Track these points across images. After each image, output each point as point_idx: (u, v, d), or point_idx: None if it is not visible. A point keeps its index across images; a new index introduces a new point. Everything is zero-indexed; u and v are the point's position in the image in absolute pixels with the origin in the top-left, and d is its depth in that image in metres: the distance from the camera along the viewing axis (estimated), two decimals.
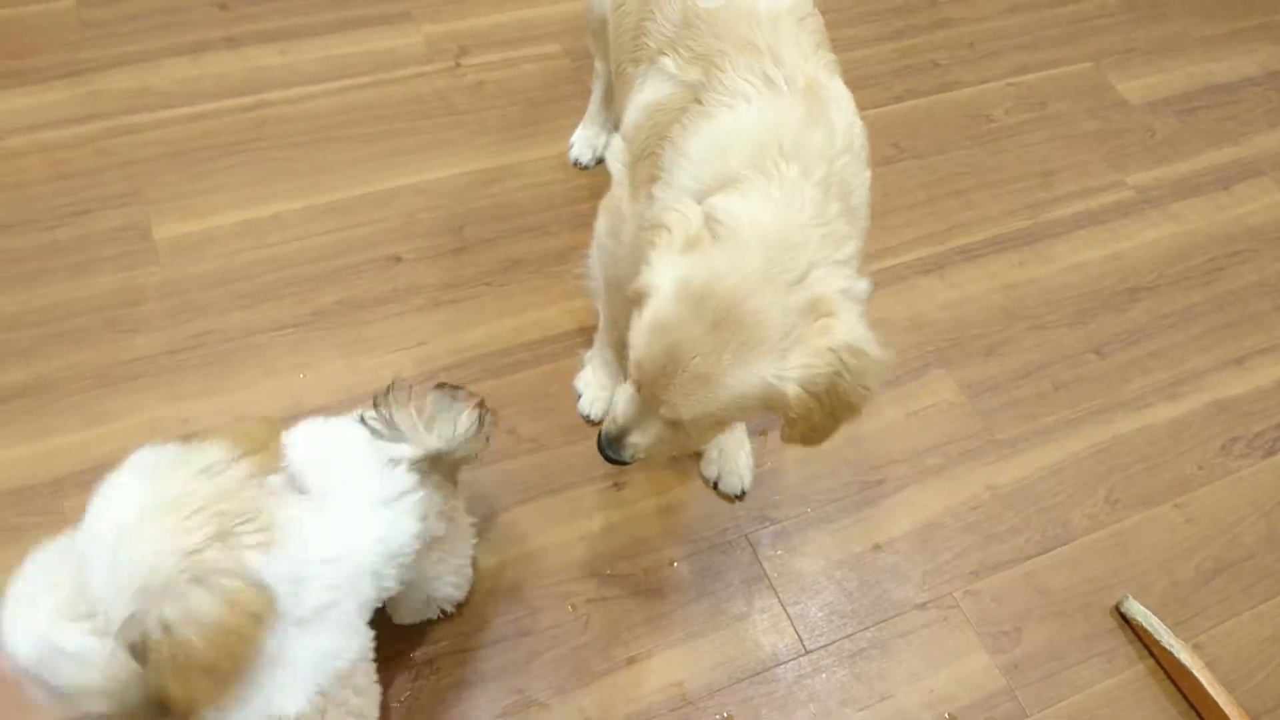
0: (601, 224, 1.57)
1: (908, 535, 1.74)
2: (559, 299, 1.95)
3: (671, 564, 1.66)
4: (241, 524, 1.05)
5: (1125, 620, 1.67)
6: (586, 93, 2.21)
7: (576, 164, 2.17)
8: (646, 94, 1.40)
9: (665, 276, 1.15)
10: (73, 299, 1.82)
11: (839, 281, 1.15)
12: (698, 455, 1.77)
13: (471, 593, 1.57)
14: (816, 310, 1.12)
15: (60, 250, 1.88)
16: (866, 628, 1.63)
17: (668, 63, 1.36)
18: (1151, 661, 1.65)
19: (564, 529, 1.67)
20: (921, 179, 2.30)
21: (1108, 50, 2.69)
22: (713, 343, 1.11)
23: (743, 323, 1.11)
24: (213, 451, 1.09)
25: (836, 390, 1.13)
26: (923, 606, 1.66)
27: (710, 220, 1.17)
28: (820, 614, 1.64)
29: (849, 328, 1.12)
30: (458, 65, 2.33)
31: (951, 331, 2.02)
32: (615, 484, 1.73)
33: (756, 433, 1.80)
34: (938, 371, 1.95)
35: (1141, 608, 1.65)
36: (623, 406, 1.27)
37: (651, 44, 1.40)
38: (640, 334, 1.17)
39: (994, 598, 1.68)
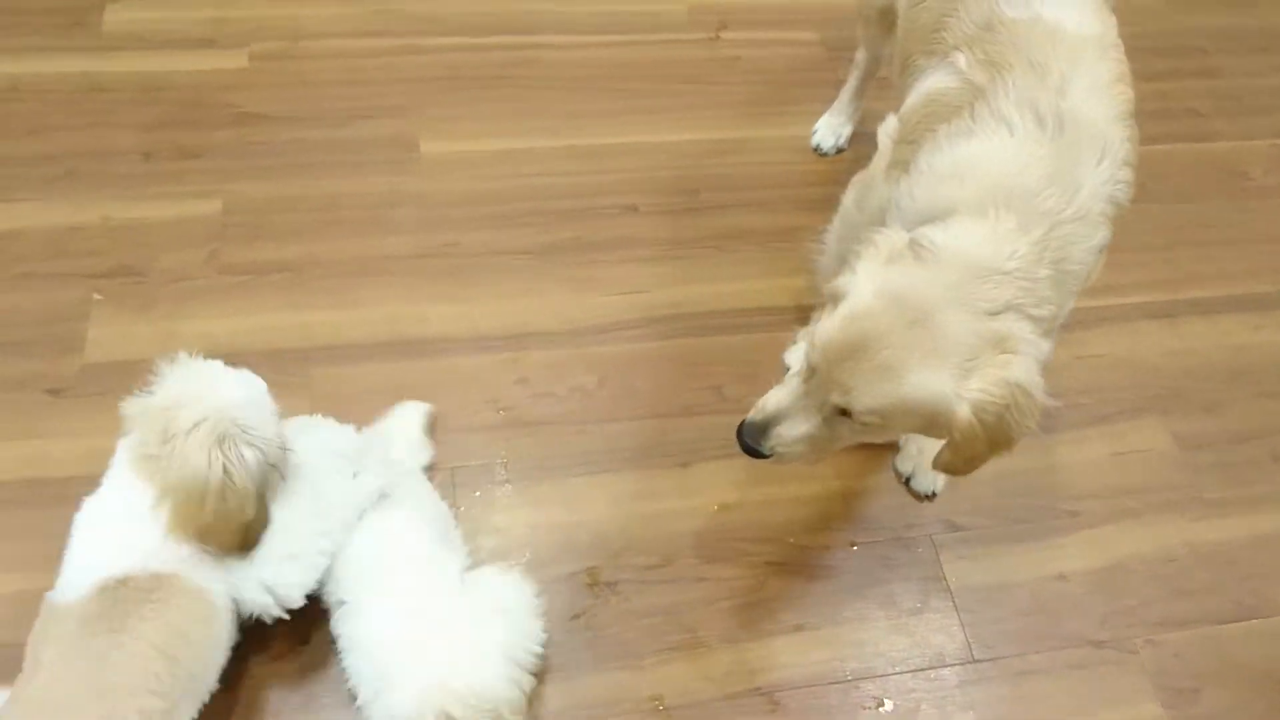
0: (849, 196, 1.61)
1: (1094, 572, 1.71)
2: (779, 274, 2.00)
3: (852, 546, 1.69)
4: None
5: None
6: (835, 82, 2.24)
7: (817, 149, 2.21)
8: (930, 81, 1.43)
9: (865, 280, 1.20)
10: (344, 193, 1.99)
11: (1028, 332, 1.16)
12: (894, 448, 1.78)
13: (659, 531, 1.65)
14: (1001, 345, 1.14)
15: (341, 147, 2.05)
16: (1038, 651, 1.62)
17: (960, 58, 1.37)
18: None
19: (753, 490, 1.72)
20: (1161, 223, 2.23)
21: None
22: (906, 339, 1.14)
23: (935, 331, 1.14)
24: None
25: (1003, 423, 1.15)
26: (1099, 644, 1.63)
27: (914, 244, 1.21)
28: (993, 627, 1.63)
29: (1027, 370, 1.14)
30: (716, 38, 2.41)
31: (1172, 381, 1.96)
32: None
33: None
34: (1152, 418, 1.90)
35: None
36: (775, 397, 1.30)
37: (949, 39, 1.42)
38: (831, 321, 1.20)
39: (1176, 653, 1.64)
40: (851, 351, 1.17)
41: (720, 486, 1.72)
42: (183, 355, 1.35)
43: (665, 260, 1.99)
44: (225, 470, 1.25)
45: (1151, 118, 2.44)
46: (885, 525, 1.72)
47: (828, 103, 2.24)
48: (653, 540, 1.65)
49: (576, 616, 1.57)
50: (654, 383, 1.82)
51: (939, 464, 1.25)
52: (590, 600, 1.59)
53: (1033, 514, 1.76)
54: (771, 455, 1.31)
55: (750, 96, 2.31)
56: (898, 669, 1.58)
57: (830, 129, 2.21)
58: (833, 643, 1.59)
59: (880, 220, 1.44)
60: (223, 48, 2.19)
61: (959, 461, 1.21)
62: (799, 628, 1.60)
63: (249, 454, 1.27)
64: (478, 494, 1.66)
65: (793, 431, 1.28)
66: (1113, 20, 1.42)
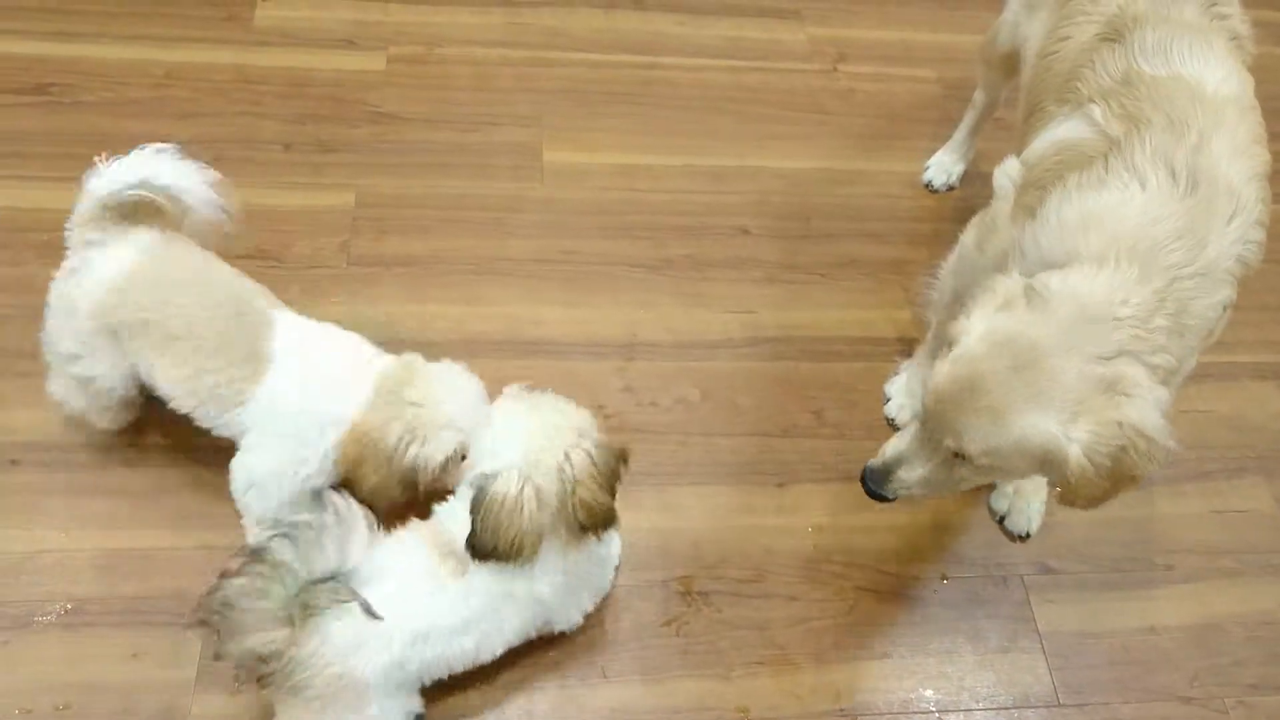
0: (970, 236, 1.63)
1: (1187, 628, 1.70)
2: (886, 305, 2.02)
3: (943, 579, 1.71)
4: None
5: None
6: (949, 120, 2.26)
7: (928, 186, 2.24)
8: (1062, 131, 1.44)
9: (977, 325, 1.24)
10: (470, 194, 2.07)
11: (1143, 377, 1.17)
12: (990, 487, 1.79)
13: (754, 547, 1.68)
14: (1113, 388, 1.16)
15: (468, 150, 2.14)
16: (1126, 702, 1.61)
17: (1095, 111, 1.38)
18: None
19: (848, 516, 1.75)
20: (1277, 282, 2.20)
21: None
22: (1011, 383, 1.18)
23: (1041, 375, 1.16)
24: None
25: (1119, 464, 1.16)
26: (1188, 701, 1.62)
27: (1029, 289, 1.23)
28: (1081, 674, 1.63)
29: (1143, 412, 1.15)
30: (835, 69, 2.45)
31: (1277, 443, 1.94)
32: None
33: (1052, 484, 1.81)
34: (1255, 478, 1.88)
35: None
36: (895, 443, 1.35)
37: (1084, 90, 1.43)
38: (944, 365, 1.24)
39: (1269, 717, 1.62)
40: (960, 395, 1.21)
41: (815, 509, 1.75)
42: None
43: (774, 283, 2.03)
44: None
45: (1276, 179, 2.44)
46: (977, 562, 1.73)
47: (941, 140, 2.26)
48: (747, 555, 1.68)
49: (669, 622, 1.61)
50: (756, 401, 1.86)
51: (1062, 500, 1.26)
52: (683, 608, 1.62)
53: (1127, 564, 1.75)
54: (895, 498, 1.37)
55: (865, 129, 2.35)
56: (981, 705, 1.59)
57: (943, 166, 2.23)
58: (918, 673, 1.61)
59: (1002, 263, 1.46)
60: (363, 49, 2.29)
61: (1080, 499, 1.23)
62: (886, 655, 1.62)
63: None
64: None
65: (912, 475, 1.33)
66: (1250, 81, 1.43)
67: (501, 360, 1.84)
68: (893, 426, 1.86)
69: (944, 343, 1.77)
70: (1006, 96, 2.08)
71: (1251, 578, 1.76)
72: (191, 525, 1.60)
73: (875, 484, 1.37)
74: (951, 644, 1.64)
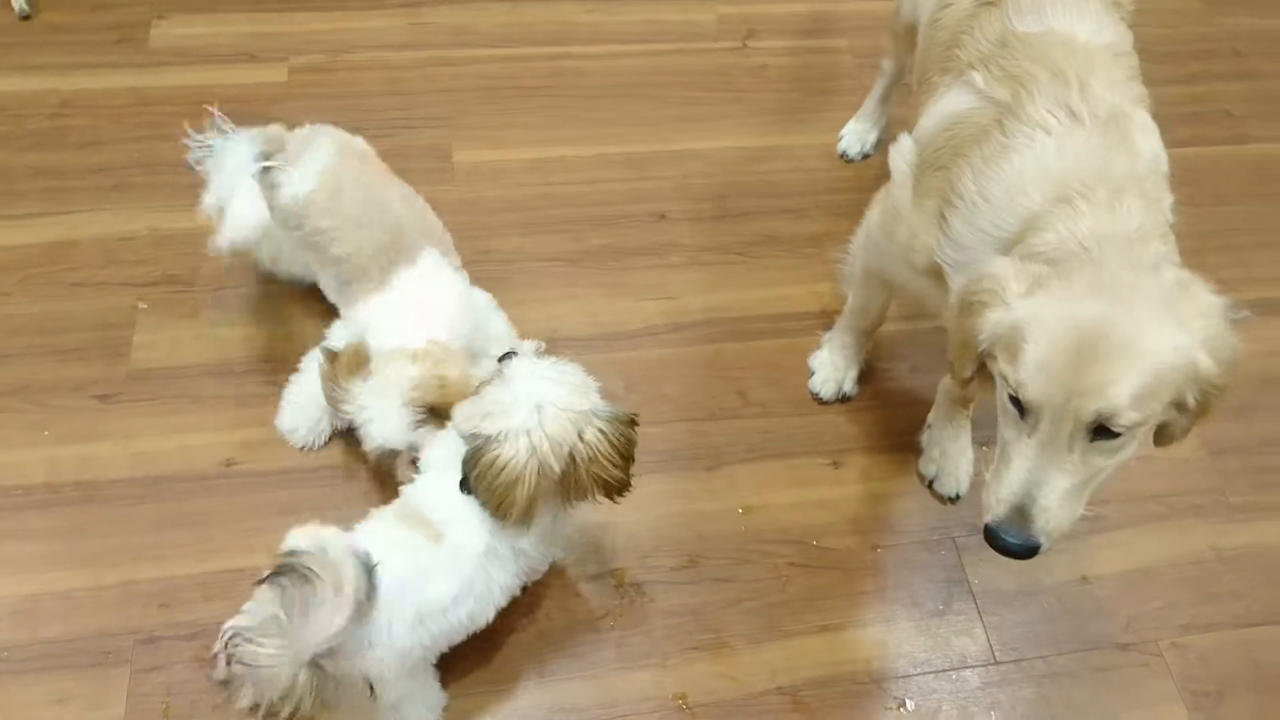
0: (875, 216, 1.61)
1: (1119, 575, 1.72)
2: (806, 279, 2.02)
3: (875, 549, 1.71)
4: None
5: None
6: (863, 89, 2.26)
7: (843, 156, 2.24)
8: (949, 103, 1.43)
9: (1034, 308, 1.14)
10: None
11: (1187, 276, 1.17)
12: (918, 452, 1.80)
13: (686, 533, 1.68)
14: (1184, 290, 1.14)
15: (381, 156, 2.10)
16: (1061, 653, 1.63)
17: (976, 77, 1.39)
18: None
19: (779, 493, 1.75)
20: (1193, 228, 2.16)
21: None
22: (1117, 311, 1.10)
23: (1137, 300, 1.12)
24: None
25: (1229, 356, 1.13)
26: (1124, 647, 1.64)
27: (1033, 259, 1.20)
28: (1016, 630, 1.65)
29: (1213, 300, 1.15)
30: (744, 46, 2.44)
31: None
32: (834, 462, 1.80)
33: (979, 443, 1.82)
34: None
35: None
36: (1012, 476, 1.18)
37: (964, 57, 1.43)
38: (1036, 350, 1.12)
39: (1201, 656, 1.64)
40: (1083, 352, 1.10)
41: (746, 489, 1.75)
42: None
43: (694, 266, 2.03)
44: None
45: (1184, 120, 2.47)
46: (908, 528, 1.74)
47: (854, 109, 2.26)
48: (680, 542, 1.68)
49: (604, 616, 1.61)
50: (682, 387, 1.86)
51: (1167, 439, 1.22)
52: (617, 600, 1.62)
53: None
54: (1048, 541, 1.19)
55: (778, 104, 2.34)
56: (920, 670, 1.60)
57: (856, 135, 2.23)
58: (855, 644, 1.62)
59: (912, 247, 1.44)
60: (264, 61, 2.26)
61: (1205, 414, 1.18)
62: (822, 629, 1.63)
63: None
64: None
65: (1057, 492, 1.16)
66: (1127, 32, 1.44)
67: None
68: (817, 400, 1.86)
69: (863, 323, 1.76)
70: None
71: (1178, 519, 1.78)
72: (111, 563, 1.58)
73: (1019, 537, 1.17)
74: (887, 612, 1.66)
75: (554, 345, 1.85)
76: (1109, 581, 1.71)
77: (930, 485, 1.78)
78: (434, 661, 1.43)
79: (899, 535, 1.73)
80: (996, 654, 1.63)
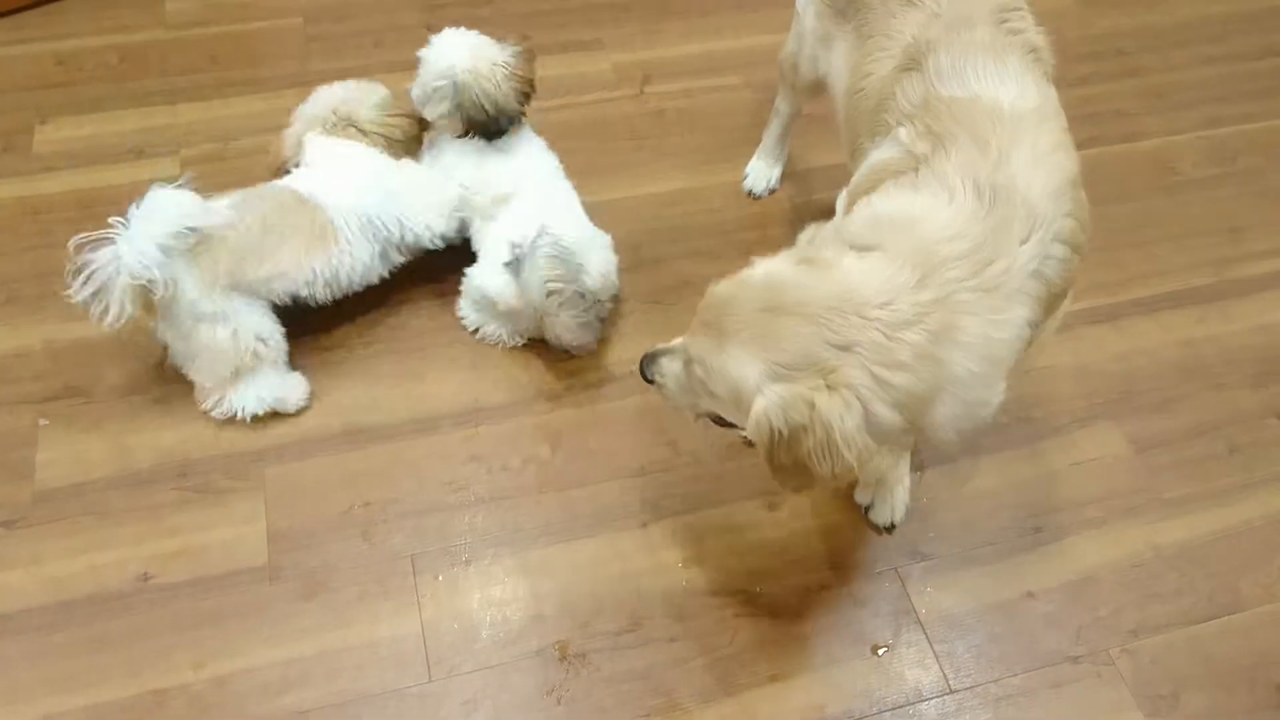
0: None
1: (1064, 586, 1.71)
2: None
3: (821, 589, 1.69)
4: None
5: None
6: (763, 123, 2.27)
7: (750, 194, 2.25)
8: (877, 155, 1.43)
9: (773, 261, 1.29)
10: None
11: (862, 380, 1.16)
12: (854, 484, 1.79)
13: (626, 594, 1.65)
14: (826, 375, 1.17)
15: None
16: (1015, 674, 1.61)
17: (902, 133, 1.38)
18: None
19: (717, 542, 1.72)
20: (1100, 227, 2.20)
21: None
22: (749, 319, 1.22)
23: (775, 326, 1.19)
24: None
25: (797, 444, 1.20)
26: (1076, 660, 1.63)
27: (828, 251, 1.26)
28: (968, 654, 1.63)
29: (835, 410, 1.18)
30: (642, 92, 2.45)
31: (1122, 384, 1.98)
32: (769, 504, 1.77)
33: (916, 468, 1.81)
34: (1105, 424, 1.91)
35: None
36: (676, 340, 1.39)
37: (890, 119, 1.42)
38: (723, 282, 1.30)
39: (1153, 659, 1.64)
40: (711, 308, 1.27)
41: (683, 541, 1.72)
42: None
43: (613, 319, 2.01)
44: None
45: (1081, 122, 2.46)
46: (851, 562, 1.72)
47: (756, 144, 2.27)
48: (621, 603, 1.65)
49: (549, 692, 1.56)
50: (608, 444, 1.83)
51: (770, 467, 1.28)
52: (562, 674, 1.58)
53: (997, 535, 1.76)
54: (654, 382, 1.42)
55: (681, 146, 2.34)
56: (876, 708, 1.58)
57: (760, 173, 2.24)
58: (809, 689, 1.59)
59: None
60: (153, 156, 2.21)
61: (772, 469, 1.25)
62: (774, 678, 1.59)
63: None
64: (440, 578, 1.66)
65: (671, 367, 1.38)
66: (1052, 92, 1.42)
67: (340, 455, 1.78)
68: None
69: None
70: (808, 108, 2.11)
71: (1116, 523, 1.79)
72: (28, 698, 1.50)
73: (644, 364, 1.42)
74: (838, 652, 1.63)
75: (476, 416, 1.85)
76: (1054, 594, 1.70)
77: (866, 513, 1.77)
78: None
79: (842, 571, 1.71)
80: (951, 682, 1.61)
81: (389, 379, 1.89)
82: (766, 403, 1.19)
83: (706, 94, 2.45)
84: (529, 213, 1.84)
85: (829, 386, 1.16)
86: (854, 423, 1.16)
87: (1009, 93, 1.36)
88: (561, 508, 1.75)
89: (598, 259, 1.88)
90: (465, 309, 1.95)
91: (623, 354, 1.95)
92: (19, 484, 1.72)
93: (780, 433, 1.18)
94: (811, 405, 1.16)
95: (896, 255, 1.21)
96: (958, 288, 1.19)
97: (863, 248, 1.26)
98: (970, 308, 1.19)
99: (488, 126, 1.89)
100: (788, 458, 1.21)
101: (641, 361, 1.42)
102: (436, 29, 1.91)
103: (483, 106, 1.86)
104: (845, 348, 1.16)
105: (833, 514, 1.78)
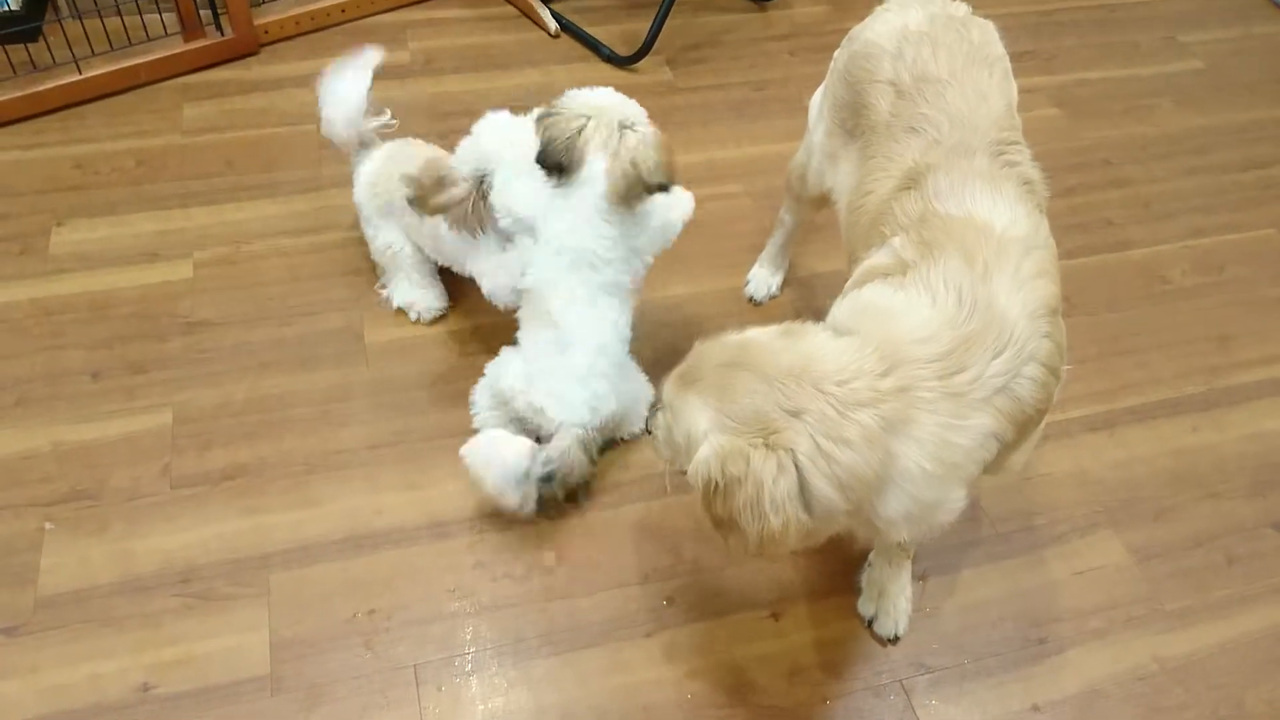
0: None
1: (1070, 699, 1.70)
2: None
3: (824, 701, 1.68)
4: None
5: None
6: (763, 229, 2.33)
7: (751, 300, 2.30)
8: (870, 261, 1.48)
9: (762, 332, 1.35)
10: (294, 390, 2.03)
11: (805, 447, 1.19)
12: (857, 591, 1.79)
13: (630, 707, 1.64)
14: (768, 436, 1.20)
15: (287, 345, 2.10)
16: None
17: (896, 241, 1.43)
18: None
19: (722, 653, 1.72)
20: (1092, 335, 2.31)
21: None
22: (711, 371, 1.28)
23: (734, 381, 1.24)
24: None
25: (728, 495, 1.23)
26: None
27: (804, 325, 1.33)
28: None
29: (765, 471, 1.21)
30: None
31: (1120, 492, 2.00)
32: (773, 614, 1.77)
33: (918, 577, 1.82)
34: (1105, 532, 1.93)
35: None
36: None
37: (887, 231, 1.48)
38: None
39: None
40: (687, 361, 1.34)
41: (686, 653, 1.71)
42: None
43: None
44: None
45: (1070, 231, 2.59)
46: (855, 675, 1.72)
47: (758, 250, 2.33)
48: (625, 718, 1.63)
49: None
50: (612, 552, 1.84)
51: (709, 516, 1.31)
52: None
53: (1001, 646, 1.76)
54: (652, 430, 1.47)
55: (682, 253, 2.38)
56: None
57: (762, 280, 2.29)
58: None
59: None
60: (168, 259, 2.25)
61: (706, 514, 1.28)
62: None
63: None
64: (442, 689, 1.64)
65: (660, 419, 1.41)
66: (1043, 223, 1.47)
67: (345, 561, 1.78)
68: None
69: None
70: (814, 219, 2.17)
71: (1119, 634, 1.79)
72: None
73: (647, 418, 1.50)
74: None
75: (480, 523, 1.86)
76: (1060, 708, 1.69)
77: (870, 625, 1.77)
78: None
79: (846, 682, 1.71)
80: None
81: (394, 486, 1.90)
82: (709, 451, 1.22)
83: (708, 202, 2.51)
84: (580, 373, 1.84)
85: (768, 445, 1.19)
86: (786, 487, 1.18)
87: (1002, 218, 1.41)
88: (565, 616, 1.74)
89: (633, 418, 1.97)
90: (479, 401, 1.97)
91: (628, 459, 1.97)
92: (22, 590, 1.71)
93: (717, 483, 1.21)
94: (748, 460, 1.18)
95: (868, 342, 1.25)
96: (921, 385, 1.23)
97: (840, 331, 1.31)
98: (930, 406, 1.22)
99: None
100: (723, 510, 1.23)
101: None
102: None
103: None
104: (795, 413, 1.19)
105: (836, 623, 1.78)
